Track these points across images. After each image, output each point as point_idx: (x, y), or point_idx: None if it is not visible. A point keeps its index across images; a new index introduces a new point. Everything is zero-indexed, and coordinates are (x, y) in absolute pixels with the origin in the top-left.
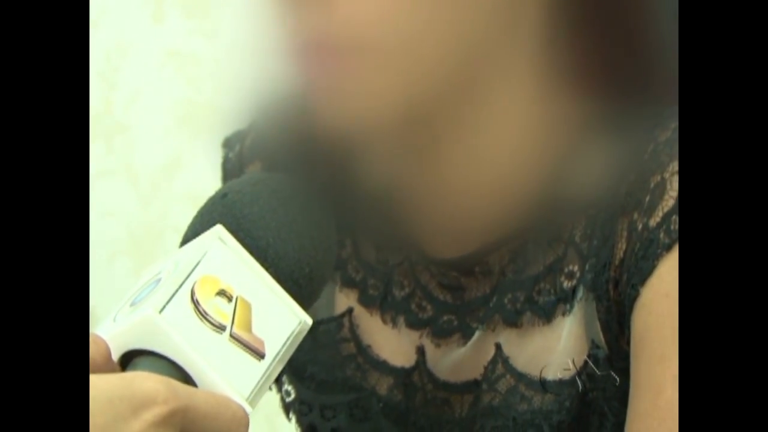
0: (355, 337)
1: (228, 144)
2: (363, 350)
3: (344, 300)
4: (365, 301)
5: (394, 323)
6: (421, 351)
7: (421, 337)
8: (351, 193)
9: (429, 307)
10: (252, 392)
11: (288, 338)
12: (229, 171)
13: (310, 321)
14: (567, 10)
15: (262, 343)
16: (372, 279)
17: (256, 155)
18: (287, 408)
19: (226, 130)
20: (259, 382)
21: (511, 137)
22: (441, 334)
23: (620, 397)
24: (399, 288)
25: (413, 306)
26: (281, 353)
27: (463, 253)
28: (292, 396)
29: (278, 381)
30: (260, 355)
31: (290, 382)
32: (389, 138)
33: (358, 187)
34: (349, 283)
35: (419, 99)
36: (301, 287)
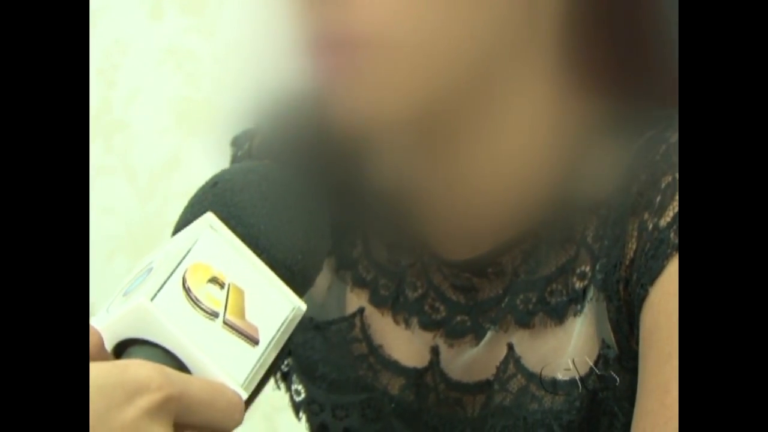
0: (367, 337)
1: (237, 142)
2: (374, 350)
3: (355, 300)
4: (376, 302)
5: (407, 324)
6: (435, 351)
7: (434, 337)
8: (362, 193)
9: (442, 308)
10: (247, 378)
11: (282, 324)
12: None
13: (304, 306)
14: (582, 11)
15: (255, 329)
16: (383, 279)
17: (265, 154)
18: (297, 407)
19: (225, 128)
20: (253, 368)
21: (524, 137)
22: (454, 335)
23: (630, 397)
24: (412, 289)
25: (426, 307)
26: (276, 339)
27: (475, 254)
28: (302, 395)
29: (287, 380)
30: (254, 341)
31: (300, 382)
32: (402, 136)
33: (369, 187)
34: (359, 283)
35: (434, 96)
36: (294, 274)
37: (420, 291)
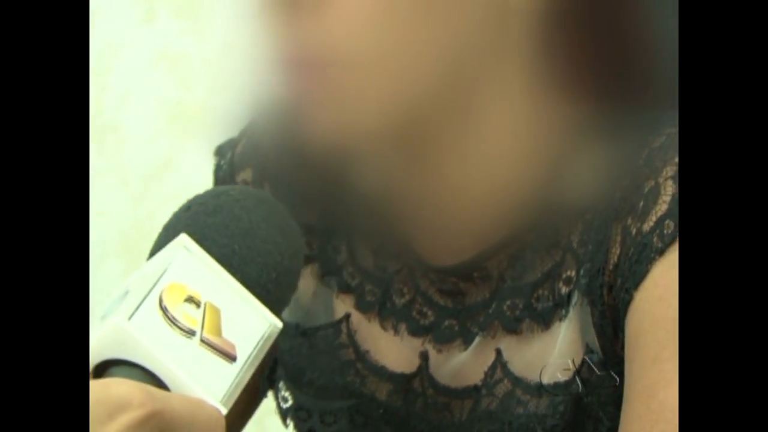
0: (354, 343)
1: (220, 152)
2: (361, 356)
3: (342, 306)
4: (362, 307)
5: (396, 330)
6: (424, 356)
7: (423, 343)
8: (345, 199)
9: (430, 313)
10: (226, 394)
11: (259, 341)
12: (221, 179)
13: (280, 324)
14: (558, 17)
15: (233, 346)
16: (369, 285)
17: (246, 163)
18: (284, 414)
19: (217, 131)
20: (232, 384)
21: (504, 143)
22: (443, 340)
23: (615, 401)
24: (399, 295)
25: (414, 313)
26: (253, 355)
27: (461, 260)
28: (290, 402)
29: (274, 387)
30: (232, 358)
31: (287, 389)
32: (381, 147)
33: (352, 193)
34: (345, 289)
35: (407, 108)
36: (269, 292)
37: (407, 297)
